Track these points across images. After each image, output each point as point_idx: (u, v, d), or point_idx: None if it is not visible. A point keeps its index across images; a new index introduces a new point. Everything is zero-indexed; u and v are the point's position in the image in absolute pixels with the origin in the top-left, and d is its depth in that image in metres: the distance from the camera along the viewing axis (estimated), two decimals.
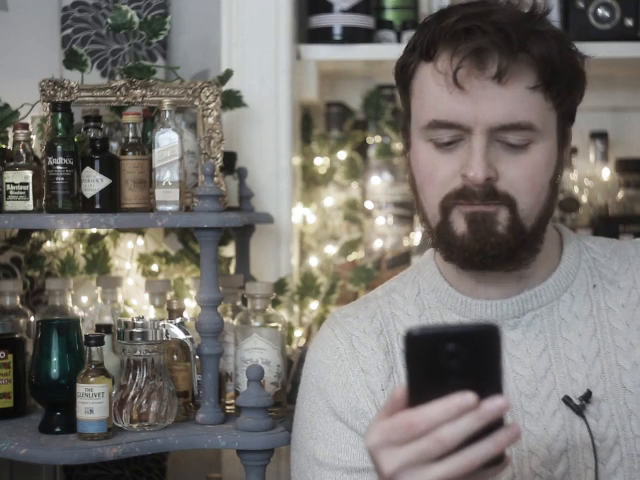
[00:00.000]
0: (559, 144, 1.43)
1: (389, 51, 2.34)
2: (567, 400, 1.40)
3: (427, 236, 1.47)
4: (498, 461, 1.06)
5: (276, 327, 1.93)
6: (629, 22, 2.33)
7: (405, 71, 1.44)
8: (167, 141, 1.87)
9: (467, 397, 1.04)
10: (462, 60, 1.34)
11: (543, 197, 1.41)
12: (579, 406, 1.40)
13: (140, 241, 2.27)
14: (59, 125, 1.85)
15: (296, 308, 2.27)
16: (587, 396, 1.40)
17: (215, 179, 1.88)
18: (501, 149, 1.38)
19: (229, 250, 2.25)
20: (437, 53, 1.38)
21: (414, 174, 1.44)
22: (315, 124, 2.51)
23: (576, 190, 2.45)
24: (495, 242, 1.38)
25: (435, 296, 1.50)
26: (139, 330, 1.79)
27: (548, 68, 1.37)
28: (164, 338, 1.82)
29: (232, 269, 2.22)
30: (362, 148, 2.50)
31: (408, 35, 2.34)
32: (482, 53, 1.34)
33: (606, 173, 2.49)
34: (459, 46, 1.35)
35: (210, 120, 1.97)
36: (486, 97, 1.36)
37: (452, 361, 1.05)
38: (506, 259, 1.41)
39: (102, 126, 1.99)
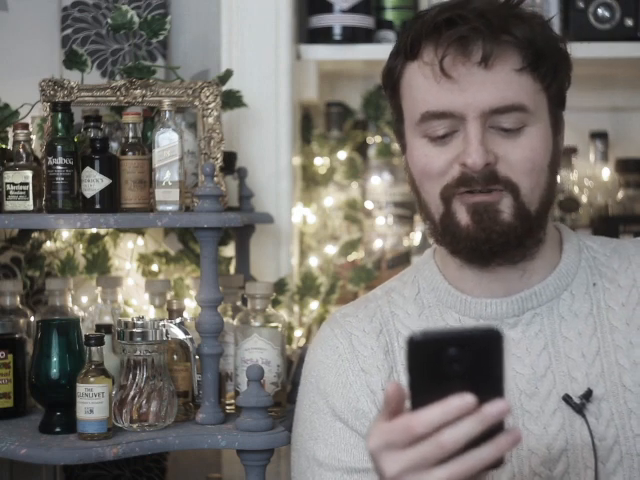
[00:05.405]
0: (553, 129, 1.43)
1: (389, 51, 2.34)
2: (567, 399, 1.40)
3: (431, 233, 1.47)
4: (498, 464, 1.06)
5: (276, 327, 1.93)
6: (629, 22, 2.33)
7: (391, 75, 1.45)
8: (167, 141, 1.87)
9: (466, 398, 1.04)
10: (447, 49, 1.36)
11: (543, 180, 1.41)
12: (579, 405, 1.40)
13: (140, 241, 2.27)
14: (59, 125, 1.85)
15: (296, 308, 2.27)
16: (587, 395, 1.40)
17: (215, 179, 1.88)
18: (497, 135, 1.38)
19: (229, 250, 2.25)
20: (421, 48, 1.40)
21: (412, 173, 1.45)
22: (315, 124, 2.51)
23: (576, 190, 2.45)
24: (501, 230, 1.38)
25: (435, 295, 1.50)
26: (139, 330, 1.79)
27: (532, 49, 1.38)
28: (164, 338, 1.82)
29: (232, 269, 2.22)
30: (362, 148, 2.50)
31: None
32: (465, 40, 1.36)
33: (606, 173, 2.49)
34: (442, 36, 1.37)
35: (210, 120, 1.97)
36: (474, 82, 1.37)
37: (454, 365, 1.05)
38: (515, 247, 1.41)
39: (102, 126, 1.99)
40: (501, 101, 1.37)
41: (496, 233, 1.39)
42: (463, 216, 1.40)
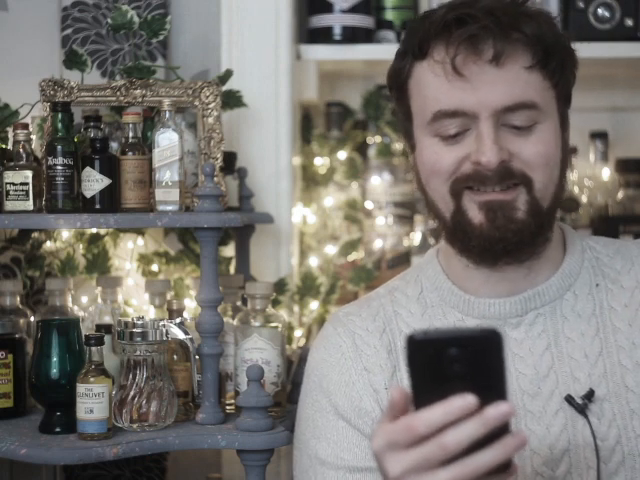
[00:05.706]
0: (561, 126, 1.44)
1: (389, 51, 2.31)
2: (570, 399, 1.40)
3: (440, 232, 1.47)
4: (504, 468, 1.06)
5: (276, 327, 1.93)
6: (629, 22, 2.33)
7: (399, 75, 1.45)
8: (167, 141, 1.87)
9: (467, 399, 1.04)
10: (457, 47, 1.36)
11: (556, 176, 1.42)
12: (582, 405, 1.40)
13: (140, 241, 2.27)
14: (59, 125, 1.85)
15: (296, 308, 2.27)
16: (590, 395, 1.40)
17: (215, 179, 1.88)
18: (509, 133, 1.39)
19: (229, 250, 2.25)
20: (431, 48, 1.39)
21: (420, 172, 1.45)
22: (315, 124, 2.51)
23: (576, 190, 2.45)
24: (516, 229, 1.39)
25: (438, 294, 1.50)
26: (139, 330, 1.79)
27: (541, 46, 1.38)
28: (164, 338, 1.82)
29: (232, 269, 2.22)
30: (362, 148, 2.50)
31: None
32: (476, 39, 1.36)
33: (606, 173, 2.49)
34: (452, 35, 1.37)
35: (210, 120, 1.97)
36: (486, 81, 1.37)
37: (454, 366, 1.04)
38: (527, 244, 1.41)
39: (102, 126, 1.99)
40: (513, 99, 1.37)
41: (511, 232, 1.38)
42: (475, 214, 1.39)
